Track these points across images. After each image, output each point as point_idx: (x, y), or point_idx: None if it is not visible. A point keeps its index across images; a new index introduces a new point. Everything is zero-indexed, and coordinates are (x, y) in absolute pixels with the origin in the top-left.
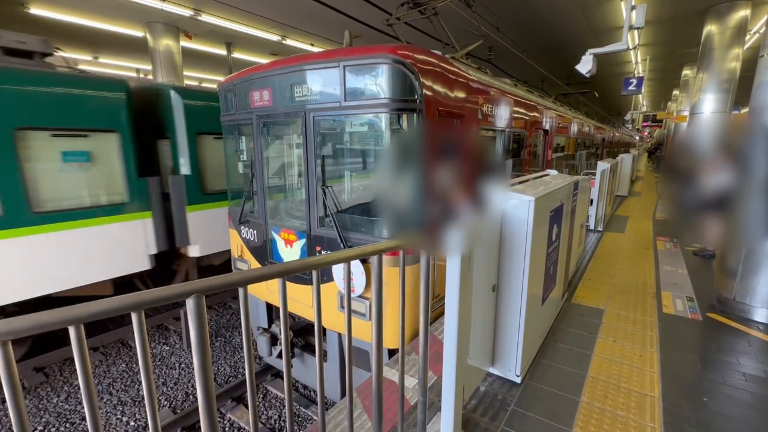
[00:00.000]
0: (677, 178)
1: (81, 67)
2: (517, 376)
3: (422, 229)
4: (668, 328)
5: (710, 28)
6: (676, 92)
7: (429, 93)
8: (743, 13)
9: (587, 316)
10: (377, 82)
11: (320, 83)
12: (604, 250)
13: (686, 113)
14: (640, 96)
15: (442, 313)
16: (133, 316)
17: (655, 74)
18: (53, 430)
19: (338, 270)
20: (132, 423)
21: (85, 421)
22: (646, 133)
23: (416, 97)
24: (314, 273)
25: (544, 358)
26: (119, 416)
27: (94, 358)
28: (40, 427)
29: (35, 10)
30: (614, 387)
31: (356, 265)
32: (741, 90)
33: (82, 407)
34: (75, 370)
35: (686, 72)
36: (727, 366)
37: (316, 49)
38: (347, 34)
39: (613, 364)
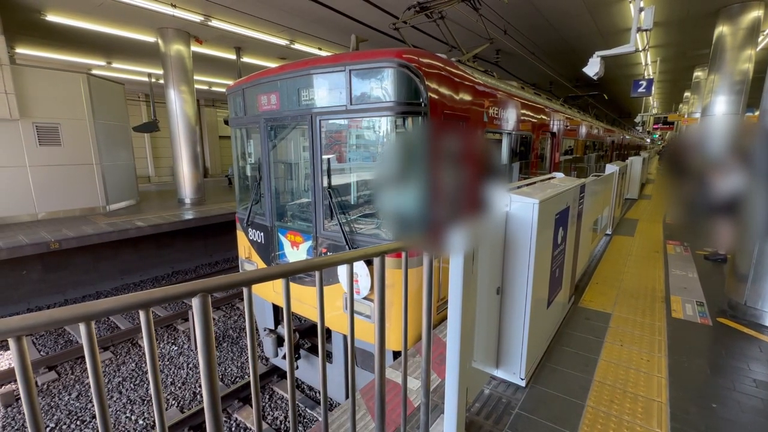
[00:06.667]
0: (677, 178)
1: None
2: (522, 379)
3: (425, 231)
4: (677, 332)
5: (722, 29)
6: (687, 94)
7: (434, 96)
8: (756, 13)
9: (594, 320)
10: (383, 85)
11: (326, 87)
12: (613, 254)
13: (698, 115)
14: (650, 98)
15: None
16: (141, 315)
17: (666, 76)
18: (65, 428)
19: (343, 271)
20: (141, 422)
21: (96, 419)
22: (658, 135)
23: (421, 100)
24: (317, 274)
25: (550, 361)
26: (128, 415)
27: (104, 356)
28: (51, 424)
29: (52, 17)
30: (621, 391)
31: (361, 267)
32: (754, 91)
33: (93, 405)
34: (86, 368)
35: (698, 73)
36: (737, 372)
37: (323, 53)
38: (354, 38)
39: (620, 368)
